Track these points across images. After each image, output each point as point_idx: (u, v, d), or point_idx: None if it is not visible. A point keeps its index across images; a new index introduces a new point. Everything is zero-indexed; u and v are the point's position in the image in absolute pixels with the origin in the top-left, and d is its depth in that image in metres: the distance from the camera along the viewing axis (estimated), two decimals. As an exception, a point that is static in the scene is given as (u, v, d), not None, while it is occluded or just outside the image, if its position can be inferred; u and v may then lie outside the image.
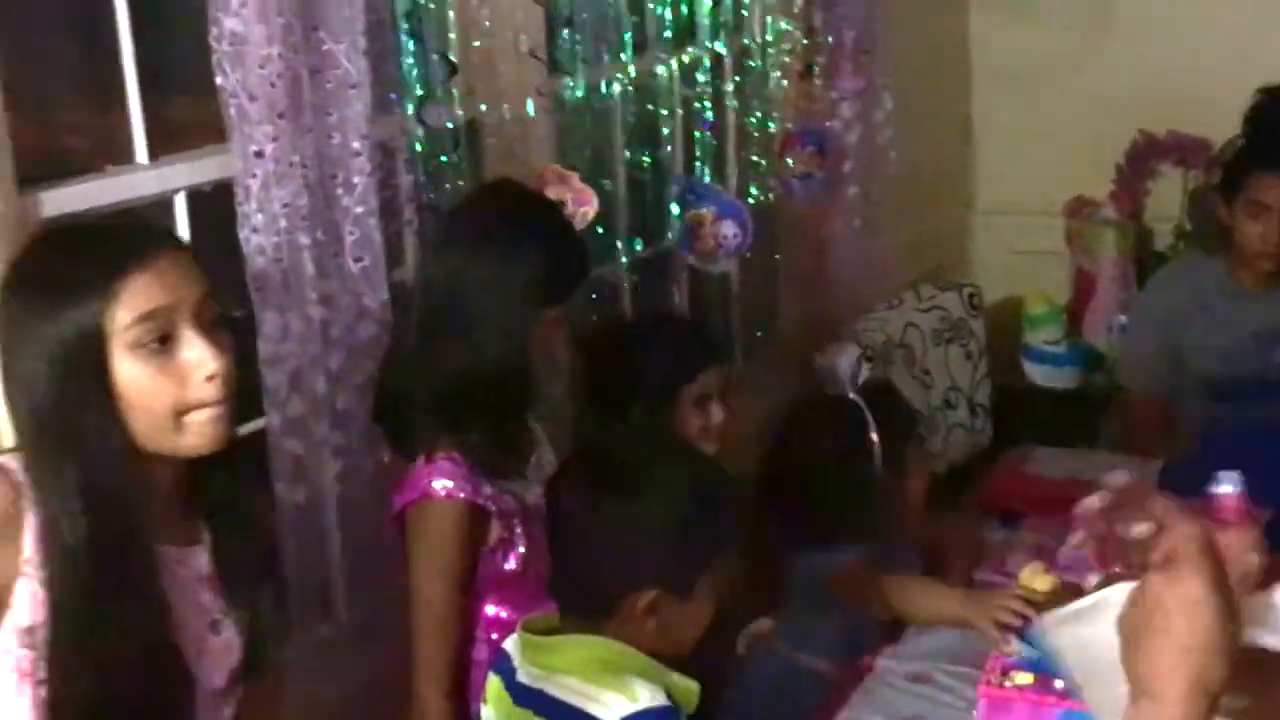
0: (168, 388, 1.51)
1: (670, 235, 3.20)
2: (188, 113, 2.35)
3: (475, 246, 2.10)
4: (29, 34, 2.14)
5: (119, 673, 1.52)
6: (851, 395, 2.73)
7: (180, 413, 1.53)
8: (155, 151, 2.18)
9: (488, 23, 2.56)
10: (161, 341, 1.51)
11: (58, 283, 1.51)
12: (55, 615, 1.51)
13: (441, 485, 2.04)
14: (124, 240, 1.54)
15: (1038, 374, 4.09)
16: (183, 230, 2.19)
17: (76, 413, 1.50)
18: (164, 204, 2.19)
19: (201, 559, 1.66)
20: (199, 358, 1.52)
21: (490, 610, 2.13)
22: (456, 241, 2.14)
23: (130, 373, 1.50)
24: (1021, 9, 4.40)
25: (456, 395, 2.04)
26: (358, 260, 2.26)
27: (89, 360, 1.49)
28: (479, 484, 2.06)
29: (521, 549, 2.09)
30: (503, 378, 2.06)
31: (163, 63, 2.22)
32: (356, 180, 2.24)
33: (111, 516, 1.51)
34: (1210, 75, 4.02)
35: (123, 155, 2.17)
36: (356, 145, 2.22)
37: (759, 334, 3.67)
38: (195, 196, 2.21)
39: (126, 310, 1.49)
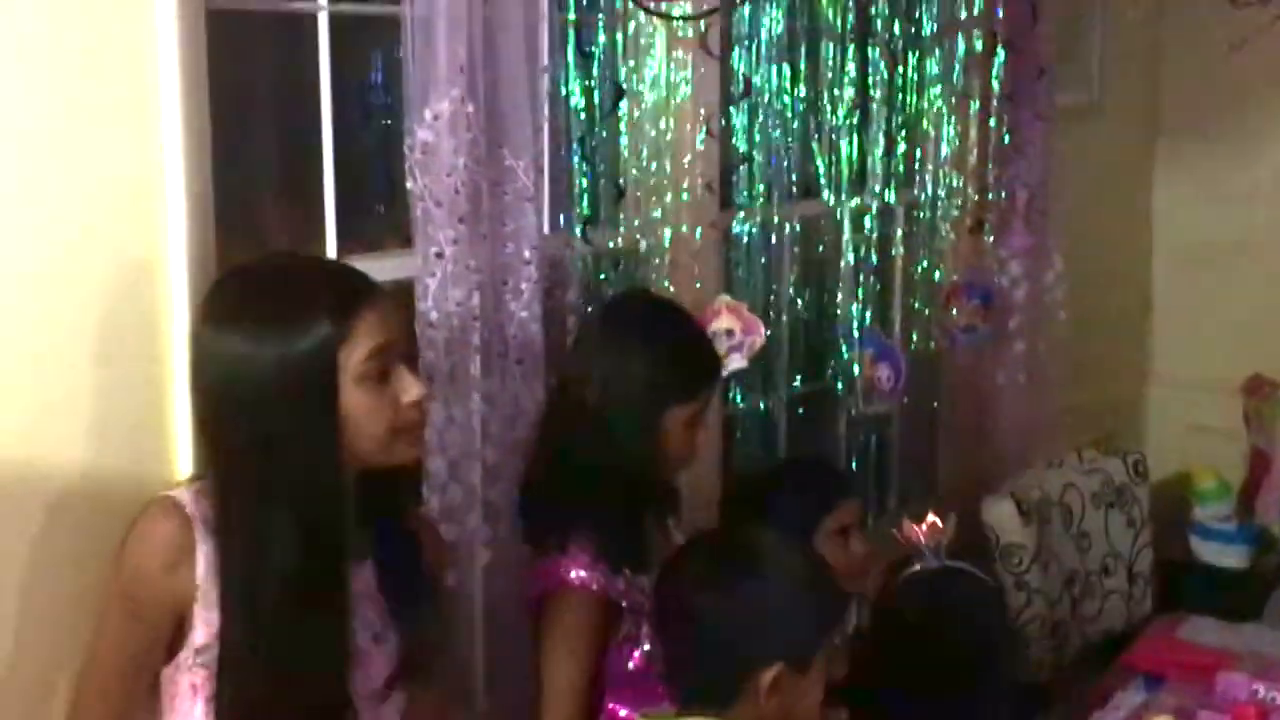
0: (385, 412, 1.71)
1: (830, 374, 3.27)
2: (378, 217, 2.54)
3: (607, 346, 2.25)
4: (239, 132, 2.36)
5: (298, 686, 1.66)
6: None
7: (394, 432, 1.71)
8: (344, 251, 2.37)
9: (665, 153, 2.71)
10: (382, 375, 1.70)
11: (293, 316, 1.66)
12: (241, 634, 1.65)
13: (577, 575, 2.13)
14: (355, 282, 1.73)
15: (1205, 550, 4.00)
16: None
17: (304, 437, 1.65)
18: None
19: (368, 574, 1.79)
20: (409, 388, 1.73)
21: (612, 706, 2.19)
22: (591, 342, 2.29)
23: (357, 400, 1.68)
24: (1206, 185, 4.42)
25: (589, 489, 2.14)
26: (519, 362, 2.40)
27: (324, 387, 1.66)
28: (612, 577, 2.14)
29: (646, 646, 2.16)
30: (633, 473, 2.16)
31: (358, 168, 2.42)
32: (524, 287, 2.38)
33: (327, 538, 1.67)
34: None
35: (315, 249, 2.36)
36: (527, 254, 2.37)
37: (916, 482, 3.70)
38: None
39: (360, 346, 1.68)
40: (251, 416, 1.66)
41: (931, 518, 2.48)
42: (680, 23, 2.61)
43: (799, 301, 3.20)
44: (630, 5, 2.56)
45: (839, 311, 3.27)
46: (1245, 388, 4.28)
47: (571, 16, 2.55)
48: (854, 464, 3.48)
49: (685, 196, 2.76)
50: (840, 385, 3.26)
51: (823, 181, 3.15)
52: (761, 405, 3.16)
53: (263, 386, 1.64)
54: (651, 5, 2.54)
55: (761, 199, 2.97)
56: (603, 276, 2.66)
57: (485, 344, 2.34)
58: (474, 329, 2.30)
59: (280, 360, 1.64)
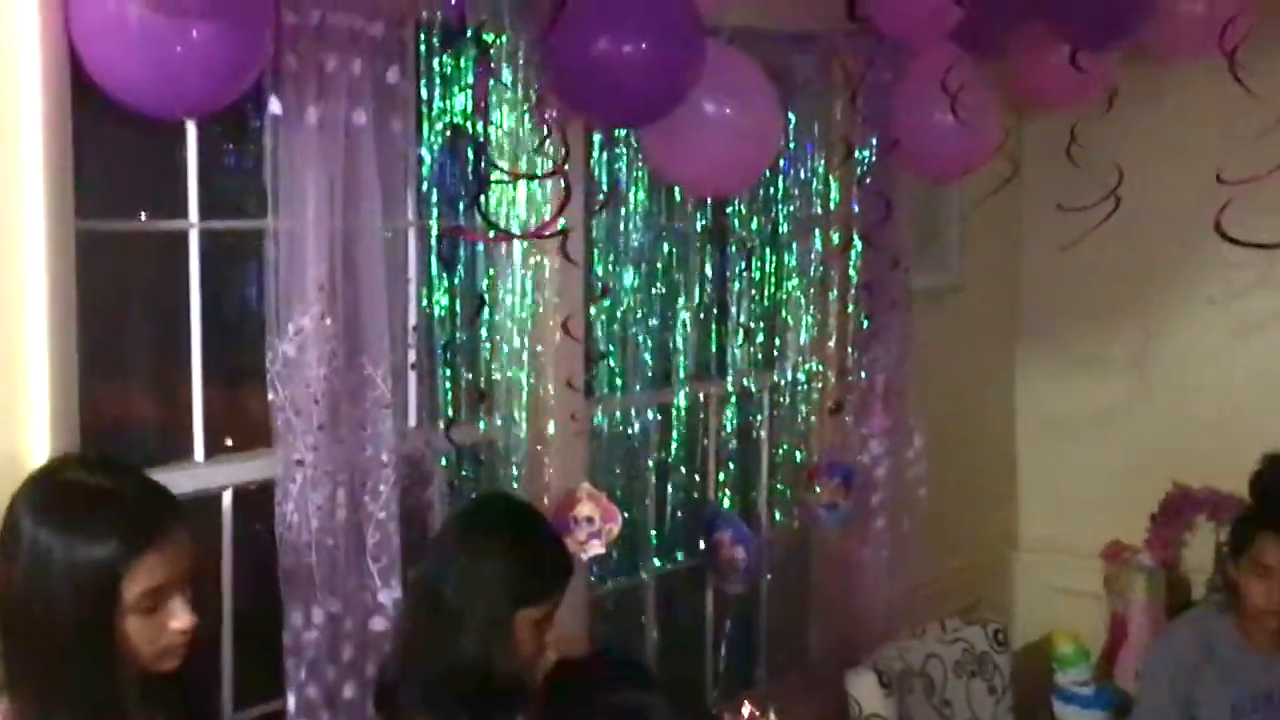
0: (153, 635, 1.88)
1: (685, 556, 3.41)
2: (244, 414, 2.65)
3: (463, 547, 2.36)
4: (109, 330, 2.48)
5: None
6: None
7: (161, 652, 1.90)
8: (211, 452, 2.49)
9: (525, 353, 2.87)
10: (155, 606, 1.87)
11: (88, 530, 1.84)
12: None
13: None
14: (146, 518, 1.88)
15: (1066, 714, 4.12)
16: (227, 523, 2.48)
17: (81, 647, 1.83)
18: (214, 498, 2.49)
19: None
20: (179, 618, 1.90)
21: None
22: (446, 544, 2.41)
23: (130, 624, 1.86)
24: (1066, 359, 4.65)
25: (439, 687, 2.25)
26: (375, 560, 2.51)
27: (102, 606, 1.83)
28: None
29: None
30: (481, 673, 2.26)
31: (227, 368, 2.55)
32: (382, 489, 2.50)
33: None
34: (1244, 434, 4.19)
35: (184, 451, 2.48)
36: (385, 458, 2.50)
37: (786, 656, 3.82)
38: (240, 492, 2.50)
39: (138, 584, 1.85)
40: (46, 601, 1.82)
41: (748, 709, 2.58)
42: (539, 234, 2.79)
43: (667, 486, 3.34)
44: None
45: (700, 495, 3.42)
46: (1104, 554, 4.46)
47: (434, 230, 2.71)
48: (723, 639, 3.60)
49: (547, 391, 2.91)
50: (705, 565, 3.40)
51: (682, 372, 3.32)
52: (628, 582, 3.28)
53: (54, 583, 1.82)
54: (515, 231, 2.71)
55: (620, 391, 3.13)
56: (465, 473, 2.79)
57: (342, 546, 2.45)
58: (331, 530, 2.42)
59: (69, 565, 1.82)
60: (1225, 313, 4.31)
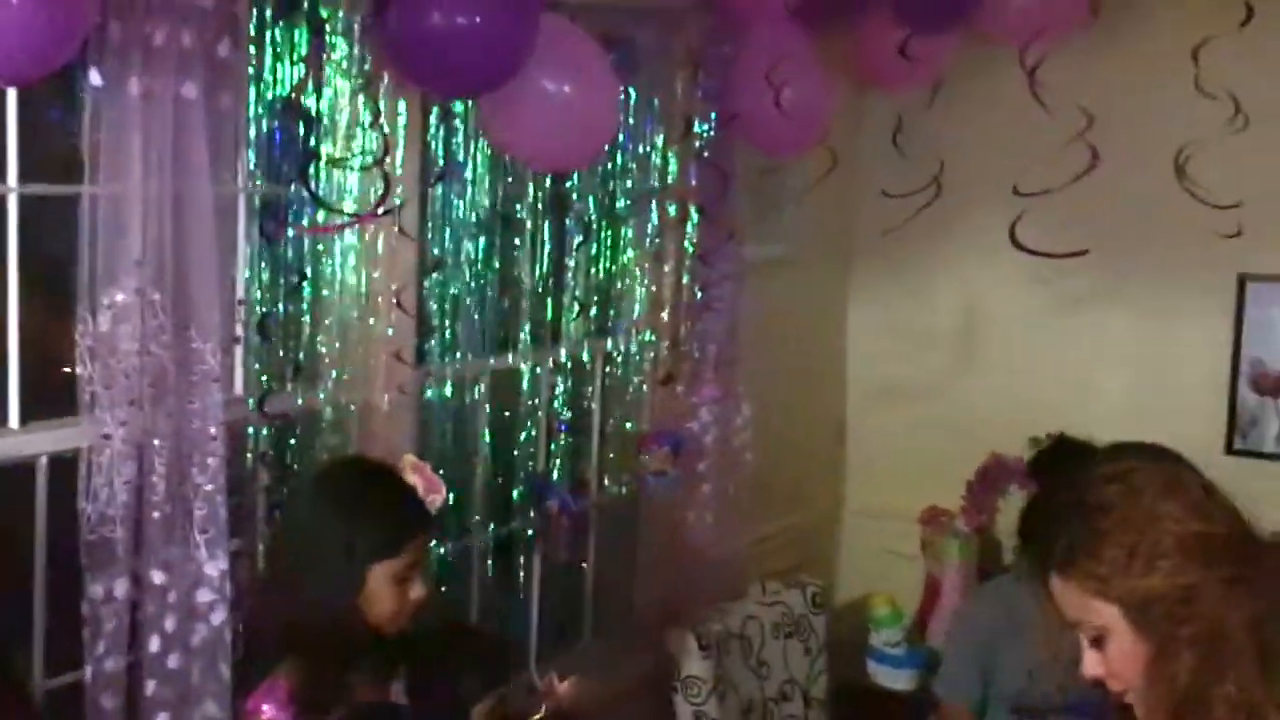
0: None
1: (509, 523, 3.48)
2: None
3: (310, 507, 2.45)
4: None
5: None
6: None
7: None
8: (26, 419, 2.47)
9: (354, 326, 2.88)
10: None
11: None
12: None
13: (268, 711, 2.27)
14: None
15: (879, 674, 4.30)
16: (41, 493, 2.46)
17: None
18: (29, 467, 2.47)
19: None
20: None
21: None
22: (301, 505, 2.52)
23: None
24: (894, 329, 4.80)
25: (291, 636, 2.31)
26: (203, 532, 2.51)
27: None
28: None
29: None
30: (330, 626, 2.32)
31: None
32: (210, 461, 2.50)
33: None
34: (1061, 407, 4.38)
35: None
36: (213, 430, 2.50)
37: (612, 618, 3.91)
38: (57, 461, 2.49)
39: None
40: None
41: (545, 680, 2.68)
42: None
43: (499, 455, 3.39)
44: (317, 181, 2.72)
45: (532, 463, 3.48)
46: (922, 518, 4.63)
47: (257, 202, 2.70)
48: (551, 602, 3.68)
49: (377, 362, 2.93)
50: (530, 533, 3.46)
51: (518, 342, 3.36)
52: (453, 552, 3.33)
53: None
54: (345, 209, 2.71)
55: (453, 362, 3.16)
56: (292, 443, 2.80)
57: (167, 516, 2.46)
58: (151, 503, 2.42)
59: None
60: (1048, 291, 4.47)
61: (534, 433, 3.49)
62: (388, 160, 2.72)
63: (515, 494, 3.46)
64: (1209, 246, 3.94)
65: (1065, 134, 3.29)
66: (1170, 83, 3.46)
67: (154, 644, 2.47)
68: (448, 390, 3.20)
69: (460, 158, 3.11)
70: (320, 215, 2.73)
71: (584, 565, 3.78)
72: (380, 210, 2.68)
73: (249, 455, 2.74)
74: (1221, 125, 3.27)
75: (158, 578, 2.46)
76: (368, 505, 2.44)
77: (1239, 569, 1.73)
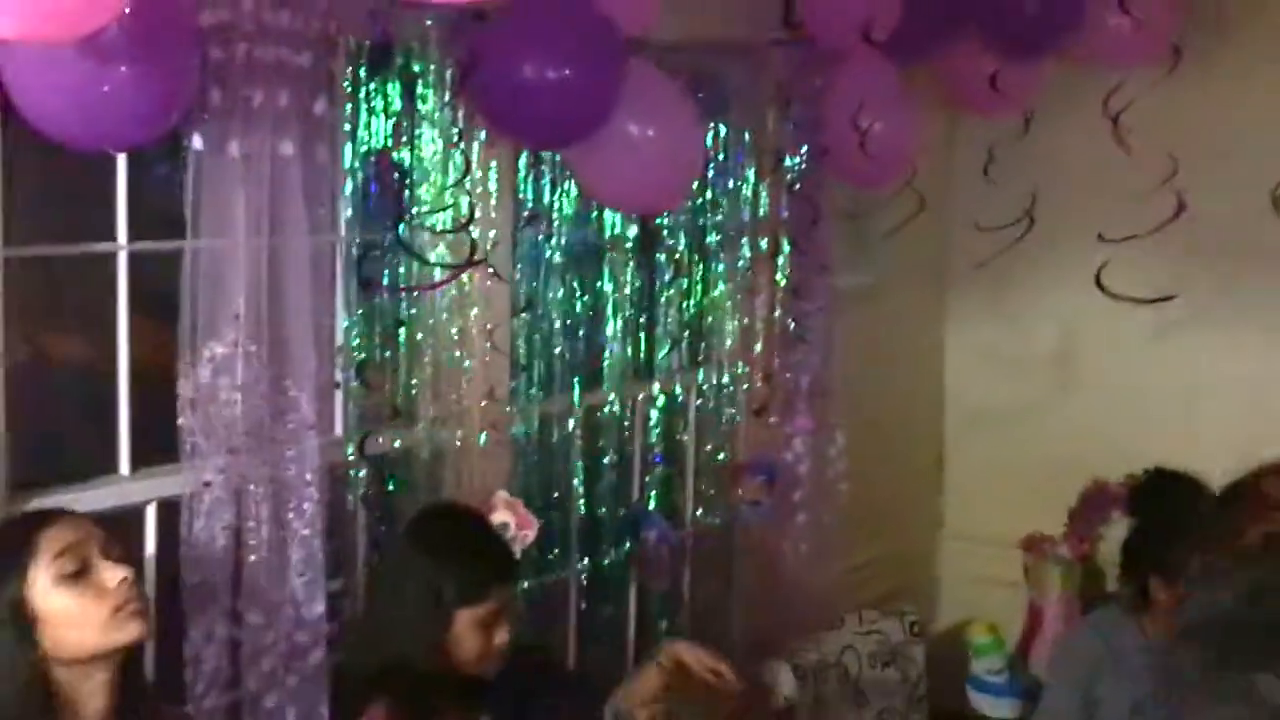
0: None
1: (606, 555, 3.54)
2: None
3: (402, 554, 2.60)
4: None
5: None
6: None
7: (115, 611, 2.04)
8: (138, 462, 2.58)
9: (448, 367, 2.96)
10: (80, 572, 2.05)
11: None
12: None
13: None
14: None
15: (981, 703, 4.28)
16: (150, 537, 2.57)
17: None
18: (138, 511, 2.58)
19: None
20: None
21: None
22: (391, 550, 2.67)
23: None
24: (991, 354, 4.78)
25: (382, 677, 2.44)
26: (300, 575, 2.60)
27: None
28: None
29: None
30: (418, 668, 2.45)
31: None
32: (306, 507, 2.59)
33: None
34: (1160, 432, 4.33)
35: (110, 465, 2.57)
36: (309, 477, 2.59)
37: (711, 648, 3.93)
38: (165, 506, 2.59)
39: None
40: None
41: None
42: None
43: (594, 487, 3.46)
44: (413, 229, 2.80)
45: (626, 495, 3.54)
46: (1023, 544, 4.60)
47: (354, 252, 2.79)
48: (649, 634, 3.73)
49: (473, 402, 3.00)
50: (627, 564, 3.52)
51: (608, 377, 3.42)
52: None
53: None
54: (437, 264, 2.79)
55: (543, 398, 3.23)
56: (389, 486, 2.89)
57: (265, 560, 2.55)
58: (251, 547, 2.51)
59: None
60: (1147, 318, 4.42)
61: (629, 466, 3.54)
62: (478, 212, 2.79)
63: (611, 526, 3.51)
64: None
65: (1153, 176, 3.26)
66: (1262, 118, 3.41)
67: (252, 683, 2.56)
68: (541, 427, 3.26)
69: (549, 200, 3.17)
70: (415, 265, 2.81)
71: (680, 597, 3.82)
72: (466, 267, 2.75)
73: (349, 497, 2.83)
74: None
75: (256, 619, 2.55)
76: (453, 552, 2.57)
77: None
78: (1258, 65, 3.85)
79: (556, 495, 3.36)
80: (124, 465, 2.59)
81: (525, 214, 3.13)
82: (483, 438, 3.02)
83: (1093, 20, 3.72)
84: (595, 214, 3.34)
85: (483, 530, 2.73)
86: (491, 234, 2.96)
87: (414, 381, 2.91)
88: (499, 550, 2.70)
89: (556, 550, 3.39)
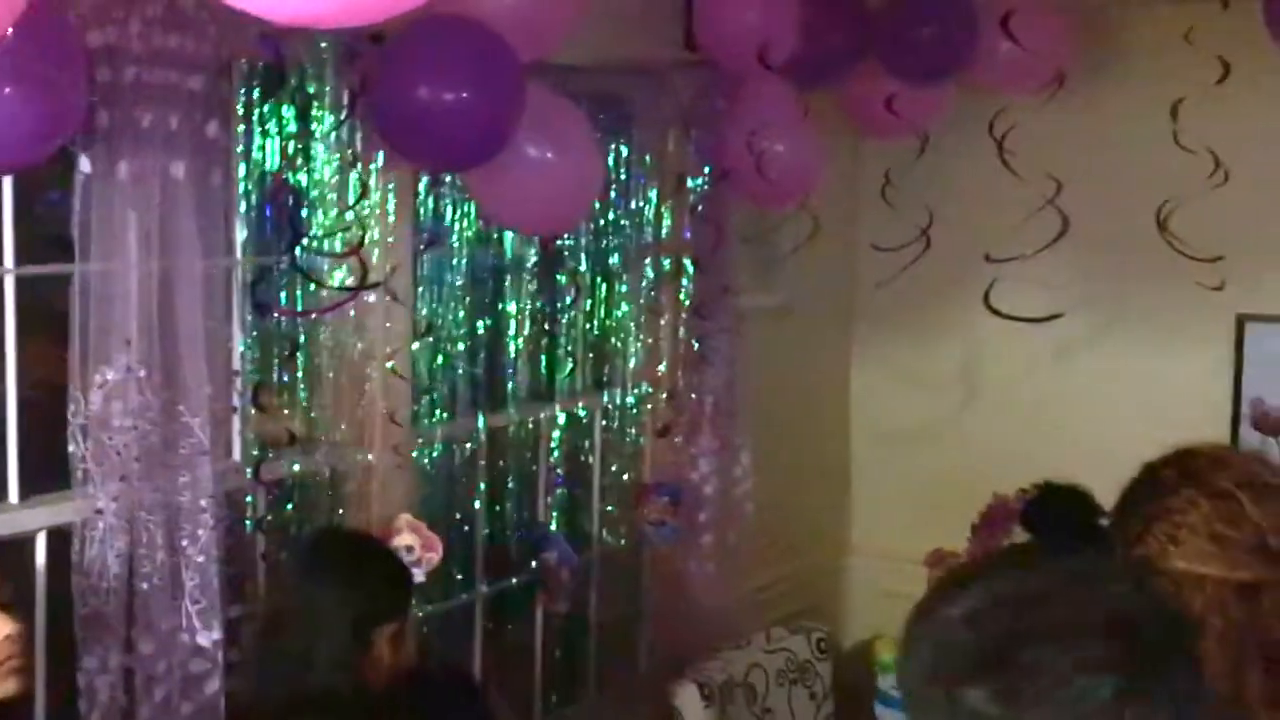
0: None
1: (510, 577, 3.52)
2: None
3: (303, 584, 2.53)
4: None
5: None
6: None
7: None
8: (25, 494, 2.54)
9: (347, 391, 2.94)
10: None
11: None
12: None
13: None
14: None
15: (887, 717, 4.33)
16: (40, 566, 2.53)
17: None
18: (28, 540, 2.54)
19: None
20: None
21: None
22: (297, 578, 2.57)
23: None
24: (898, 374, 4.83)
25: (294, 704, 2.39)
26: (195, 603, 2.57)
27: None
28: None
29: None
30: (337, 691, 2.41)
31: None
32: (201, 534, 2.57)
33: None
34: (1061, 448, 4.40)
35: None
36: (203, 504, 2.56)
37: (617, 669, 3.95)
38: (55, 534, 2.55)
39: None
40: None
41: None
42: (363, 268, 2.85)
43: (497, 508, 3.45)
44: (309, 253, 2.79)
45: (531, 516, 3.53)
46: (927, 561, 4.65)
47: (249, 275, 2.76)
48: (555, 654, 3.72)
49: (372, 426, 2.99)
50: (534, 585, 3.52)
51: (512, 398, 3.42)
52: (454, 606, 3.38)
53: None
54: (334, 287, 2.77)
55: (446, 421, 3.22)
56: (289, 507, 2.87)
57: (156, 589, 2.51)
58: (142, 575, 2.48)
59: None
60: (1047, 335, 4.50)
61: (532, 487, 3.54)
62: (373, 234, 2.79)
63: (515, 548, 3.51)
64: (1204, 291, 3.97)
65: (1040, 197, 3.34)
66: (1148, 141, 3.50)
67: (146, 713, 2.52)
68: (443, 449, 3.26)
69: (449, 222, 3.17)
70: (312, 288, 2.80)
71: (587, 618, 3.82)
72: (362, 289, 2.74)
73: (247, 522, 2.80)
74: (1202, 180, 3.30)
75: (148, 648, 2.51)
76: (366, 573, 2.56)
77: (1259, 578, 1.78)
78: (1140, 89, 3.94)
79: (460, 518, 3.35)
80: (13, 493, 2.54)
81: (424, 236, 3.12)
82: (383, 461, 3.01)
83: (986, 47, 3.80)
84: (496, 235, 3.34)
85: (385, 549, 2.74)
86: (390, 256, 2.95)
87: (313, 405, 2.89)
88: (400, 564, 2.73)
89: (461, 573, 3.37)
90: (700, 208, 3.79)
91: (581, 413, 3.68)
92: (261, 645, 2.62)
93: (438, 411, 3.23)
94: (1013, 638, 1.12)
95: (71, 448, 2.41)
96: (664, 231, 3.77)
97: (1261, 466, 1.99)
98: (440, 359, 3.21)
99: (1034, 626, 1.13)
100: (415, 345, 3.12)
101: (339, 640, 2.46)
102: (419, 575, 3.02)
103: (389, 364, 2.97)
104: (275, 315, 2.77)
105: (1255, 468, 1.93)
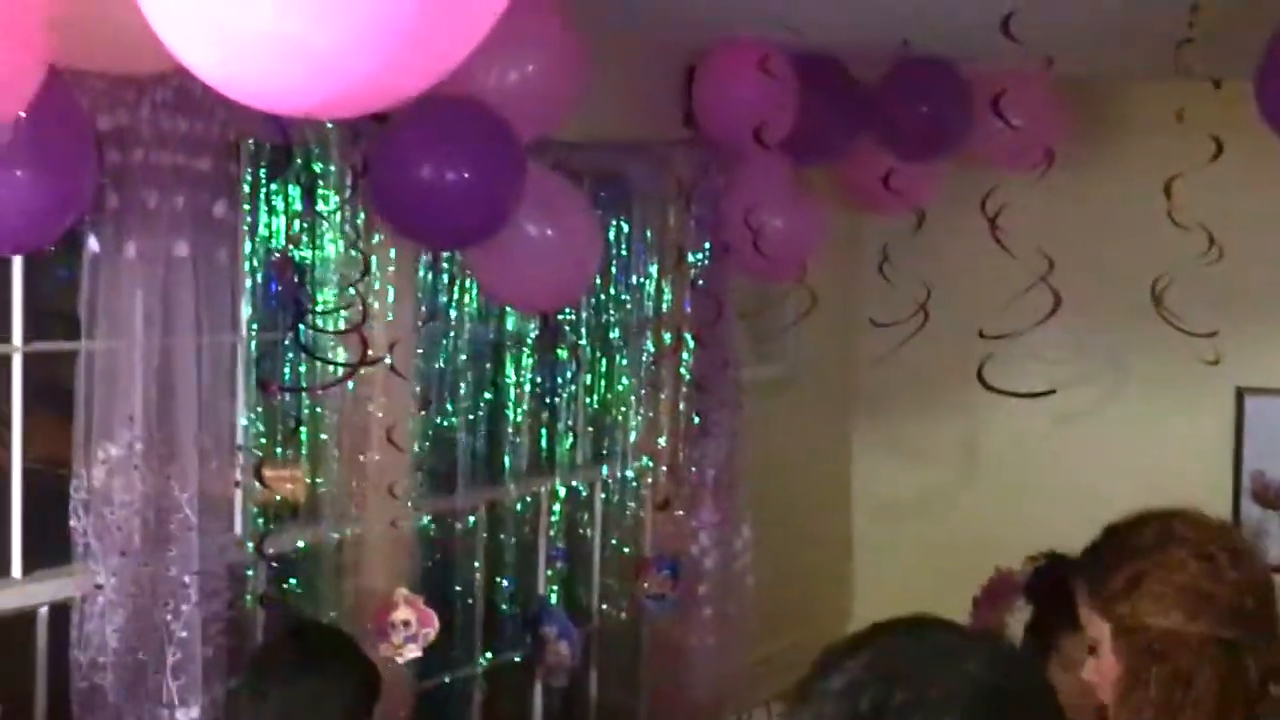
0: None
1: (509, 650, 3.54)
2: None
3: (283, 682, 2.48)
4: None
5: None
6: None
7: None
8: (30, 567, 2.56)
9: (347, 464, 2.97)
10: None
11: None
12: None
13: None
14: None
15: (888, 792, 4.30)
16: (42, 641, 2.54)
17: None
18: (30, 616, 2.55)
19: None
20: None
21: None
22: (261, 682, 2.51)
23: None
24: (898, 450, 4.86)
25: None
26: (176, 678, 2.56)
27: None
28: None
29: None
30: None
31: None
32: (184, 608, 2.56)
33: None
34: (1065, 519, 4.40)
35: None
36: (187, 580, 2.56)
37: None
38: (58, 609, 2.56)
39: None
40: None
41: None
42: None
43: (496, 582, 3.46)
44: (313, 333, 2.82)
45: (530, 590, 3.54)
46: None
47: (254, 350, 2.80)
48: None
49: (371, 499, 3.01)
50: (532, 659, 3.52)
51: (511, 472, 3.44)
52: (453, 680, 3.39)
53: None
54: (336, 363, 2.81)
55: (444, 494, 3.24)
56: (292, 582, 2.89)
57: (139, 664, 2.52)
58: (129, 650, 2.49)
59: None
60: (1044, 408, 4.52)
61: (531, 561, 3.55)
62: (378, 310, 2.82)
63: (514, 622, 3.51)
64: (1203, 365, 4.00)
65: (1034, 274, 3.38)
66: (1141, 218, 3.55)
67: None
68: (443, 522, 3.28)
69: (449, 298, 3.21)
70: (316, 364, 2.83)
71: (586, 691, 3.82)
72: (362, 366, 2.77)
73: (247, 596, 2.82)
74: (1196, 256, 3.34)
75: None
76: (353, 660, 2.56)
77: (1238, 637, 1.85)
78: (1132, 167, 4.00)
79: (460, 591, 3.36)
80: (16, 569, 2.56)
81: (425, 311, 3.16)
82: (382, 534, 3.03)
83: (980, 124, 3.86)
84: (496, 310, 3.37)
85: (348, 637, 2.72)
86: (391, 331, 2.99)
87: (315, 479, 2.92)
88: (368, 660, 2.67)
89: (460, 647, 3.37)
90: (700, 282, 3.83)
91: (581, 486, 3.70)
92: None
93: (438, 485, 3.25)
94: (880, 711, 1.16)
95: (73, 523, 2.43)
96: (664, 305, 3.81)
97: (1235, 532, 2.07)
98: (441, 432, 3.23)
99: (900, 700, 1.17)
100: (415, 419, 3.14)
101: None
102: (415, 651, 3.03)
103: (388, 439, 2.99)
104: (277, 393, 2.79)
105: (1231, 533, 2.01)
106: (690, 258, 3.80)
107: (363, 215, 2.88)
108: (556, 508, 3.62)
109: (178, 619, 2.54)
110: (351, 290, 2.84)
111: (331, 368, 2.81)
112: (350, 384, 2.93)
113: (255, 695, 2.49)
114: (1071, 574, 2.03)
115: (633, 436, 3.77)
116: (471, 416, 3.32)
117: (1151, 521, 1.96)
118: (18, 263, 2.51)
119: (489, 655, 3.48)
